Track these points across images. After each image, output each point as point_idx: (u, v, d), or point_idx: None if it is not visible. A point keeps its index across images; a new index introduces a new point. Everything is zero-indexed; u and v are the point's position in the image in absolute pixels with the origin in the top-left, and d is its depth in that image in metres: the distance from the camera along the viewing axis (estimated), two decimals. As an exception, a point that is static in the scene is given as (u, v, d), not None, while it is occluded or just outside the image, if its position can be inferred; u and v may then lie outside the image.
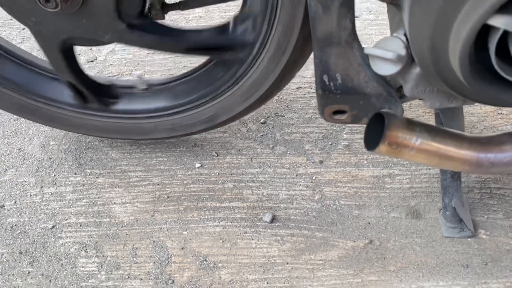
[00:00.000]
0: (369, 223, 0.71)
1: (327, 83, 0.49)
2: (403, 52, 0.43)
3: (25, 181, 0.78)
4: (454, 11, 0.34)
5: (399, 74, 0.45)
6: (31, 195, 0.76)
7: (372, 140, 0.47)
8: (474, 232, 0.67)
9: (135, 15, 0.59)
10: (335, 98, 0.50)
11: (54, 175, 0.78)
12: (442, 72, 0.40)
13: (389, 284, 0.64)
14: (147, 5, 0.61)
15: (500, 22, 0.33)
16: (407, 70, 0.45)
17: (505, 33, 0.36)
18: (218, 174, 0.77)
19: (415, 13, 0.38)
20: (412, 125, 0.45)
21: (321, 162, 0.77)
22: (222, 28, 0.62)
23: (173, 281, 0.66)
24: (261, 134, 0.82)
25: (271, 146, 0.80)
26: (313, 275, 0.66)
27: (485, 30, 0.36)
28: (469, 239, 0.68)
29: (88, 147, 0.82)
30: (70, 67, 0.64)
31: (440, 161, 0.45)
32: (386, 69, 0.44)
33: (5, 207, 0.75)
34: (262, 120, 0.84)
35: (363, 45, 0.47)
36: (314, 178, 0.76)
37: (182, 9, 0.65)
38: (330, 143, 0.80)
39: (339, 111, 0.53)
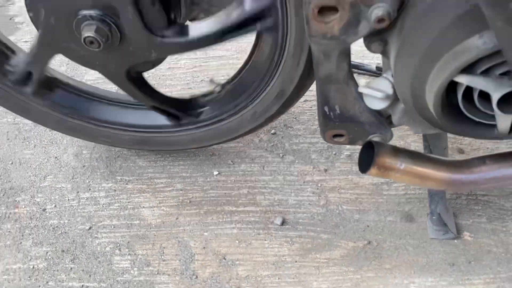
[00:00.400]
0: (368, 226, 0.80)
1: (327, 113, 0.58)
2: (390, 91, 0.52)
3: (63, 187, 0.88)
4: (427, 69, 0.43)
5: (387, 108, 0.54)
6: (68, 200, 0.86)
7: (364, 163, 0.56)
8: (456, 235, 0.76)
9: (164, 26, 0.66)
10: (334, 124, 0.60)
11: (88, 182, 0.88)
12: (421, 111, 0.49)
13: (385, 280, 0.74)
14: (172, 15, 0.68)
15: (464, 80, 0.42)
16: (394, 105, 0.54)
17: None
18: (234, 181, 0.87)
19: (398, 66, 0.46)
20: (397, 152, 0.54)
21: (326, 170, 0.87)
22: None
23: (196, 276, 0.76)
24: (272, 144, 0.91)
25: (281, 155, 0.90)
26: (319, 272, 0.75)
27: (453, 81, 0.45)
28: (455, 240, 0.77)
29: (118, 156, 0.91)
30: (147, 93, 0.73)
31: (421, 181, 0.54)
32: (377, 105, 0.53)
33: (47, 210, 0.85)
34: (272, 131, 0.93)
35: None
36: (319, 185, 0.85)
37: (205, 15, 0.73)
38: (334, 153, 0.89)
39: (338, 134, 0.62)
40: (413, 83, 0.45)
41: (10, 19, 1.20)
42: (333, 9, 0.43)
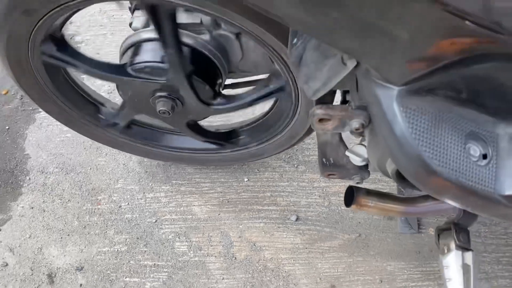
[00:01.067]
0: (359, 222, 1.10)
1: (325, 162, 0.84)
2: (366, 155, 0.78)
3: (132, 188, 1.17)
4: (384, 160, 0.68)
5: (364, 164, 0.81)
6: (137, 199, 1.15)
7: (348, 201, 0.82)
8: (416, 231, 1.05)
9: (211, 97, 0.93)
10: (329, 169, 0.85)
11: (151, 184, 1.17)
12: (385, 173, 0.73)
13: (369, 263, 1.04)
14: (217, 88, 0.93)
15: None
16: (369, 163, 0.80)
17: None
18: (260, 186, 1.15)
19: (369, 150, 0.70)
20: (369, 194, 0.79)
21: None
22: None
23: (235, 258, 1.07)
24: (289, 156, 1.19)
25: (295, 165, 1.18)
26: (322, 256, 1.06)
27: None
28: (422, 234, 1.07)
29: (171, 164, 1.19)
30: (200, 133, 1.00)
31: (386, 213, 0.81)
32: (358, 162, 0.79)
33: (122, 207, 1.15)
34: (289, 146, 1.20)
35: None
36: (324, 190, 1.14)
37: (233, 88, 0.99)
38: (336, 164, 1.17)
39: (332, 174, 0.89)
40: (378, 162, 0.70)
41: (71, 38, 1.43)
42: (328, 119, 0.66)
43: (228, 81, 0.95)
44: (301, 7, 0.41)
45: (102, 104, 1.00)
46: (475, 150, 0.49)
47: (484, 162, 0.49)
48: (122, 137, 1.04)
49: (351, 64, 0.48)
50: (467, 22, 0.37)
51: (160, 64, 0.81)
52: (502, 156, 0.48)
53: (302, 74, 0.56)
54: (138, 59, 0.82)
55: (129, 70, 0.82)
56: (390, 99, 0.45)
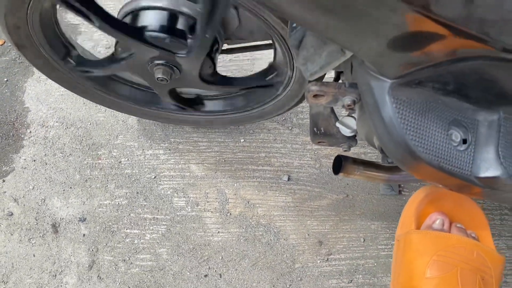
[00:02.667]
0: (347, 184, 1.16)
1: (316, 131, 0.89)
2: (355, 127, 0.82)
3: (132, 145, 1.21)
4: (372, 134, 0.71)
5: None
6: (137, 155, 1.20)
7: (336, 168, 0.87)
8: (397, 192, 1.12)
9: (210, 73, 0.95)
10: (320, 137, 0.89)
11: (150, 142, 1.21)
12: (372, 145, 0.78)
13: (355, 222, 1.12)
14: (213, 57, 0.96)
15: None
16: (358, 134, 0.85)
17: None
18: (255, 146, 1.20)
19: (358, 123, 0.75)
20: (355, 162, 0.83)
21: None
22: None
23: (230, 214, 1.13)
24: (283, 118, 1.23)
25: (290, 128, 1.22)
26: (311, 214, 1.13)
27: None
28: (404, 197, 1.14)
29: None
30: (174, 98, 1.03)
31: (371, 180, 0.86)
32: (346, 133, 0.83)
33: (122, 162, 1.20)
34: (284, 108, 1.24)
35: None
36: (316, 152, 1.19)
37: (228, 53, 1.02)
38: (328, 128, 1.22)
39: (322, 141, 0.94)
40: (366, 135, 0.73)
41: None
42: (322, 95, 0.70)
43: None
44: (296, 6, 0.43)
45: (74, 48, 0.98)
46: (457, 135, 0.53)
47: (464, 146, 0.54)
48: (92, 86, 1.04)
49: (349, 53, 0.51)
50: (454, 31, 0.41)
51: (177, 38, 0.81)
52: (480, 141, 0.53)
53: (300, 57, 0.59)
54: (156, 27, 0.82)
55: (146, 35, 0.82)
56: (382, 91, 0.49)
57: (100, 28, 0.79)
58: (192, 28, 0.82)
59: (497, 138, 0.53)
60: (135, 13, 0.83)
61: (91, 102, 1.25)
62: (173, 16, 0.80)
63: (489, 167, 0.53)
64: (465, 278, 0.61)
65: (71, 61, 0.96)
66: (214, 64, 0.89)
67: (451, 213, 0.70)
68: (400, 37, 0.44)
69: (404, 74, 0.48)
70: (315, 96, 0.66)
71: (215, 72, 0.92)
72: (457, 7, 0.40)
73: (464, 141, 0.54)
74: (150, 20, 0.81)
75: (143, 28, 0.81)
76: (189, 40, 0.82)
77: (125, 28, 0.81)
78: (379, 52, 0.46)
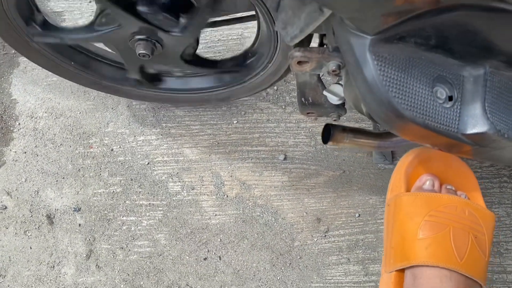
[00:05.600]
0: (344, 160, 1.14)
1: (304, 101, 0.87)
2: (343, 94, 0.80)
3: (123, 132, 1.20)
4: (359, 99, 0.69)
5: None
6: (129, 142, 1.19)
7: (325, 137, 0.85)
8: (391, 162, 1.10)
9: (191, 53, 0.93)
10: (308, 108, 0.87)
11: (141, 128, 1.20)
12: (360, 111, 0.76)
13: (353, 197, 1.11)
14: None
15: None
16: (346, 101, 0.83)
17: None
18: (248, 127, 1.19)
19: (345, 89, 0.73)
20: (344, 130, 0.81)
21: (316, 119, 1.18)
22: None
23: (227, 196, 1.12)
24: (276, 97, 1.21)
25: (283, 106, 1.20)
26: (308, 192, 1.12)
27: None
28: (403, 170, 1.12)
29: (160, 107, 1.21)
30: (141, 74, 1.01)
31: (360, 147, 0.85)
32: (334, 101, 0.81)
33: (114, 150, 1.18)
34: (275, 87, 1.22)
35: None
36: (311, 130, 1.17)
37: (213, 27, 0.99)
38: (322, 104, 1.19)
39: (310, 112, 0.92)
40: (354, 101, 0.70)
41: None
42: (306, 62, 0.67)
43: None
44: None
45: (38, 10, 0.93)
46: (442, 92, 0.51)
47: (450, 104, 0.52)
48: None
49: (327, 11, 0.49)
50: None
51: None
52: (466, 97, 0.51)
53: (280, 20, 0.57)
54: None
55: (139, 10, 0.80)
56: (363, 48, 0.47)
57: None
58: (186, 7, 0.80)
59: (483, 93, 0.51)
60: None
61: (79, 90, 1.23)
62: None
63: (476, 123, 0.51)
64: (458, 237, 0.59)
65: (36, 26, 0.92)
66: (198, 44, 0.87)
67: (441, 175, 0.68)
68: None
69: (384, 28, 0.46)
70: (299, 63, 0.65)
71: (194, 53, 0.90)
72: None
73: (450, 98, 0.52)
74: None
75: (136, 2, 0.79)
76: (181, 19, 0.80)
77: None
78: (356, 4, 0.44)
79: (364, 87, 0.49)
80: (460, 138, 0.51)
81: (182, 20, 0.78)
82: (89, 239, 1.10)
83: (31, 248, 1.09)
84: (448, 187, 0.66)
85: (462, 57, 0.51)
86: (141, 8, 0.79)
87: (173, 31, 0.80)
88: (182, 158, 1.16)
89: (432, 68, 0.50)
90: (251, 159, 1.15)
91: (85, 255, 1.09)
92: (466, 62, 0.51)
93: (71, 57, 1.02)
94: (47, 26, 0.94)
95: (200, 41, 0.95)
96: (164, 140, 1.18)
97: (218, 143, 1.17)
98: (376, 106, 0.50)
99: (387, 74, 0.47)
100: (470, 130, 0.51)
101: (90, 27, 0.89)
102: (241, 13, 0.90)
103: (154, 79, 1.06)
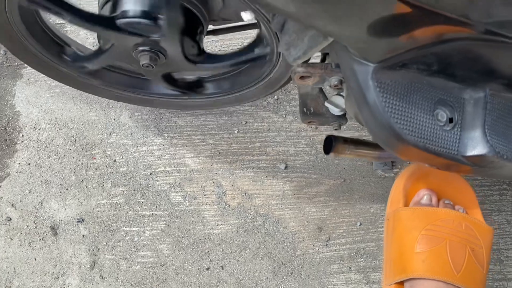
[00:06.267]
0: (344, 168, 1.16)
1: (305, 111, 0.88)
2: (344, 105, 0.81)
3: (125, 142, 1.21)
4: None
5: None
6: (131, 152, 1.20)
7: (327, 148, 0.85)
8: (390, 167, 1.12)
9: (196, 54, 0.94)
10: (309, 117, 0.88)
11: (144, 138, 1.21)
12: (361, 124, 0.76)
13: (353, 206, 1.12)
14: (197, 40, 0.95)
15: None
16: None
17: None
18: (250, 137, 1.20)
19: (346, 103, 0.74)
20: (346, 142, 0.83)
21: (316, 128, 1.19)
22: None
23: (228, 205, 1.13)
24: (276, 106, 1.23)
25: (283, 115, 1.21)
26: (310, 201, 1.13)
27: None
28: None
29: (161, 118, 1.22)
30: (170, 84, 1.02)
31: (363, 157, 0.85)
32: (336, 112, 0.82)
33: (117, 161, 1.19)
34: (275, 97, 1.23)
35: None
36: (311, 139, 1.19)
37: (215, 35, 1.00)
38: (322, 113, 1.21)
39: (312, 121, 0.93)
40: (355, 114, 0.72)
41: None
42: (309, 76, 0.68)
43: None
44: None
45: (68, 45, 0.98)
46: (443, 115, 0.52)
47: (450, 126, 0.53)
48: (88, 79, 1.04)
49: (331, 38, 0.50)
50: (435, 16, 0.40)
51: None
52: (467, 120, 0.53)
53: (283, 42, 0.58)
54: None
55: (118, 23, 0.81)
56: (365, 75, 0.48)
57: (71, 22, 0.80)
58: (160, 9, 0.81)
59: (483, 116, 0.52)
60: (111, 2, 0.83)
61: (81, 101, 1.24)
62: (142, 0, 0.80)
63: (476, 146, 0.52)
64: (454, 250, 0.61)
65: (66, 57, 0.97)
66: (199, 45, 0.88)
67: (439, 190, 0.70)
68: (381, 23, 0.43)
69: (387, 58, 0.47)
70: (302, 77, 0.66)
71: (201, 52, 0.91)
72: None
73: (451, 120, 0.53)
74: (121, 7, 0.80)
75: (114, 17, 0.80)
76: (160, 21, 0.81)
77: (96, 19, 0.81)
78: (360, 38, 0.45)
79: (367, 112, 0.50)
80: (460, 159, 0.52)
81: (163, 24, 0.79)
82: (93, 250, 1.11)
83: (35, 259, 1.10)
84: (446, 201, 0.68)
85: (463, 80, 0.52)
86: (120, 21, 0.80)
87: (155, 36, 0.81)
88: (184, 168, 1.17)
89: (433, 92, 0.51)
90: (252, 169, 1.16)
91: (89, 266, 1.10)
92: (467, 85, 0.52)
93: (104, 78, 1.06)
94: (76, 57, 0.98)
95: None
96: (166, 150, 1.19)
97: (219, 152, 1.18)
98: (378, 131, 0.51)
99: (389, 100, 0.49)
100: (470, 152, 0.52)
101: (98, 50, 0.92)
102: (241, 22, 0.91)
103: (194, 86, 1.06)
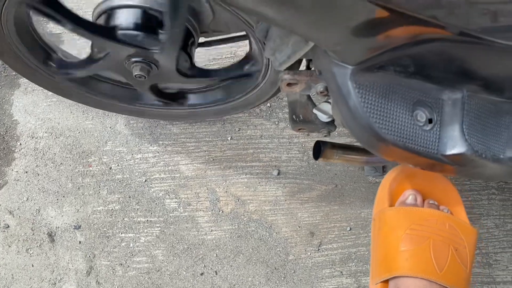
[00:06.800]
0: (336, 174, 1.18)
1: (295, 118, 0.90)
2: (331, 112, 0.84)
3: (121, 150, 1.23)
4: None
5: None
6: (126, 160, 1.22)
7: (316, 154, 0.88)
8: (382, 173, 1.14)
9: (188, 67, 0.96)
10: (299, 124, 0.90)
11: (139, 146, 1.23)
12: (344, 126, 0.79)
13: (345, 211, 1.14)
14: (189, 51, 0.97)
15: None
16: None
17: None
18: (243, 143, 1.22)
19: (333, 109, 0.76)
20: (334, 147, 0.85)
21: (308, 134, 1.22)
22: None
23: (222, 211, 1.15)
24: (269, 113, 1.25)
25: (276, 122, 1.24)
26: (302, 206, 1.15)
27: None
28: (393, 183, 1.15)
29: (156, 125, 1.25)
30: (155, 94, 1.05)
31: (352, 162, 0.88)
32: (324, 119, 0.84)
33: (112, 168, 1.21)
34: (268, 104, 1.26)
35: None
36: (303, 145, 1.21)
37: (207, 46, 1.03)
38: (314, 120, 1.23)
39: (302, 128, 0.95)
40: (341, 120, 0.76)
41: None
42: (295, 83, 0.70)
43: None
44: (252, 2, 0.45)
45: (54, 52, 0.99)
46: (422, 115, 0.55)
47: (430, 126, 0.55)
48: (75, 87, 1.05)
49: (311, 42, 0.52)
50: (409, 18, 0.42)
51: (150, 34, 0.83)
52: (445, 120, 0.55)
53: (268, 47, 0.60)
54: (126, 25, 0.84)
55: (118, 34, 0.83)
56: (344, 77, 0.51)
57: (72, 30, 0.81)
58: (162, 24, 0.84)
59: (461, 116, 0.54)
60: (107, 13, 0.85)
61: (78, 110, 1.27)
62: (143, 13, 0.82)
63: (455, 145, 0.54)
64: (438, 249, 0.62)
65: (52, 64, 0.98)
66: (191, 58, 0.90)
67: (424, 191, 0.72)
68: (356, 26, 0.45)
69: (365, 59, 0.50)
70: (289, 84, 0.68)
71: (193, 66, 0.93)
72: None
73: (430, 121, 0.56)
74: (121, 19, 0.82)
75: (115, 28, 0.82)
76: (161, 35, 0.83)
77: (97, 29, 0.83)
78: (337, 41, 0.47)
79: (347, 113, 0.52)
80: (440, 158, 0.54)
81: (163, 37, 0.81)
82: (89, 256, 1.12)
83: (33, 266, 1.12)
84: (430, 201, 0.70)
85: (440, 82, 0.54)
86: (121, 32, 0.82)
87: (154, 49, 0.83)
88: (179, 174, 1.19)
89: (411, 93, 0.53)
90: (245, 175, 1.18)
91: (85, 272, 1.11)
92: (444, 86, 0.55)
93: (90, 86, 1.07)
94: (62, 63, 0.99)
95: (195, 60, 0.98)
96: (161, 157, 1.21)
97: (213, 159, 1.20)
98: (358, 131, 0.53)
99: (368, 101, 0.51)
100: (449, 151, 0.54)
101: (89, 58, 0.93)
102: (233, 33, 0.94)
103: (176, 97, 1.09)
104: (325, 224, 1.13)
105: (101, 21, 0.85)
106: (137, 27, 0.82)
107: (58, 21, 0.81)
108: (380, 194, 0.75)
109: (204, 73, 0.96)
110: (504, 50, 0.47)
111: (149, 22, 0.82)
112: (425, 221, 0.64)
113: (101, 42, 0.85)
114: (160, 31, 0.82)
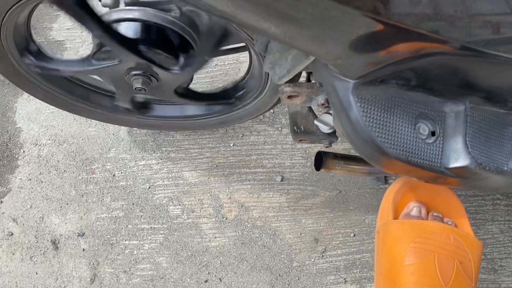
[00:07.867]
0: (339, 180, 1.17)
1: (296, 129, 0.90)
2: (332, 123, 0.83)
3: (124, 157, 1.23)
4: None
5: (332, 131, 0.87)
6: (130, 167, 1.22)
7: (318, 164, 0.88)
8: (383, 183, 1.13)
9: (184, 87, 0.96)
10: (300, 135, 0.90)
11: (142, 153, 1.23)
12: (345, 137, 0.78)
13: (349, 217, 1.13)
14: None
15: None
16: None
17: None
18: (246, 149, 1.22)
19: (335, 120, 0.75)
20: (336, 157, 0.85)
21: (311, 140, 1.21)
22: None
23: (226, 218, 1.15)
24: (272, 119, 1.25)
25: (279, 128, 1.23)
26: (306, 213, 1.14)
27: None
28: (397, 189, 1.15)
29: (159, 132, 1.25)
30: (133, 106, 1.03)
31: (351, 174, 0.88)
32: (325, 130, 0.84)
33: (116, 175, 1.21)
34: (271, 110, 1.25)
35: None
36: (307, 151, 1.20)
37: None
38: (317, 126, 1.23)
39: (303, 139, 0.95)
40: (342, 131, 0.75)
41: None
42: (296, 96, 0.70)
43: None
44: (251, 16, 0.44)
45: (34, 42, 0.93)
46: (425, 128, 0.54)
47: (432, 139, 0.55)
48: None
49: (312, 56, 0.52)
50: (409, 33, 0.42)
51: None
52: (448, 132, 0.54)
53: (268, 61, 0.60)
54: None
55: (140, 48, 0.81)
56: (346, 91, 0.50)
57: (97, 36, 0.79)
58: (184, 46, 0.83)
59: (464, 128, 0.54)
60: (122, 22, 0.83)
61: (81, 117, 1.27)
62: (169, 32, 0.79)
63: (458, 158, 0.54)
64: (443, 263, 0.62)
65: (31, 57, 0.92)
66: (191, 80, 0.91)
67: (428, 203, 0.71)
68: (357, 41, 0.45)
69: (366, 73, 0.49)
70: (289, 97, 0.68)
71: (187, 87, 0.93)
72: (408, 10, 0.41)
73: (433, 134, 0.55)
74: (146, 33, 0.80)
75: (138, 41, 0.81)
76: (181, 58, 0.82)
77: (121, 39, 0.81)
78: (338, 55, 0.47)
79: (349, 127, 0.52)
80: (443, 171, 0.54)
81: (182, 60, 0.81)
82: (93, 263, 1.12)
83: (37, 273, 1.12)
84: (434, 214, 0.69)
85: (442, 94, 0.54)
86: (144, 47, 0.81)
87: (174, 69, 0.83)
88: (182, 181, 1.19)
89: (414, 106, 0.53)
90: (249, 181, 1.18)
91: (89, 279, 1.11)
92: (447, 99, 0.54)
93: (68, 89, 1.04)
94: (43, 57, 0.93)
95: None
96: (164, 164, 1.21)
97: (216, 166, 1.20)
98: (360, 145, 0.53)
99: (370, 115, 0.51)
100: (453, 164, 0.54)
101: (87, 60, 0.91)
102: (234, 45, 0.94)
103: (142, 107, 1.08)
104: (329, 231, 1.12)
105: (120, 27, 0.83)
106: (161, 45, 0.80)
107: (85, 26, 0.78)
108: (384, 206, 0.74)
109: (196, 95, 0.96)
110: (507, 63, 0.47)
111: (174, 43, 0.80)
112: (429, 234, 0.63)
113: (119, 52, 0.82)
114: (181, 53, 0.81)
